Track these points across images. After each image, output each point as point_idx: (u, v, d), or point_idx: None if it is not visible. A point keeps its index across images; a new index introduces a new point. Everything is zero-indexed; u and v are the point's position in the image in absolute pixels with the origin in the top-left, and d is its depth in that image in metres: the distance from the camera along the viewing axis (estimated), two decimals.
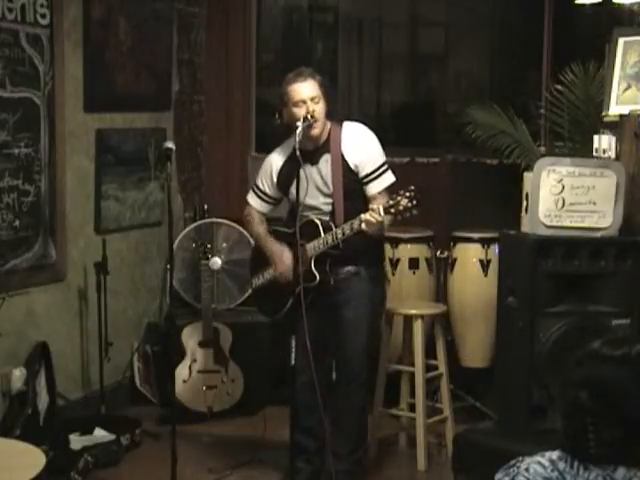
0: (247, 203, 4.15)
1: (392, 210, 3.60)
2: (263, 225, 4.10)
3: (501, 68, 6.34)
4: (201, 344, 4.99)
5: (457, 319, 5.11)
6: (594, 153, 4.16)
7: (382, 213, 3.60)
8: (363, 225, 3.65)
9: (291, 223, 3.90)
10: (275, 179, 4.00)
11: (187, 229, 5.39)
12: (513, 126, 5.06)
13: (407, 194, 3.58)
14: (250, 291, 4.30)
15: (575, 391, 1.75)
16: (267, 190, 4.06)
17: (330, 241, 3.79)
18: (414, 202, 3.57)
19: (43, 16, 4.44)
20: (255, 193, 4.10)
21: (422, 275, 5.10)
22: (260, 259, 4.08)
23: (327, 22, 6.53)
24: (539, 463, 1.82)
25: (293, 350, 3.60)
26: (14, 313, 4.37)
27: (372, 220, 3.62)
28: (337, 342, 3.97)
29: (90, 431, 4.47)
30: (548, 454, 1.84)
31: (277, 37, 6.32)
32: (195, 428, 4.80)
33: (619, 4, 4.87)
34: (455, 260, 5.09)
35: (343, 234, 3.74)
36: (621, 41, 4.36)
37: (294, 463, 3.83)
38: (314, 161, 3.87)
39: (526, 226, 4.05)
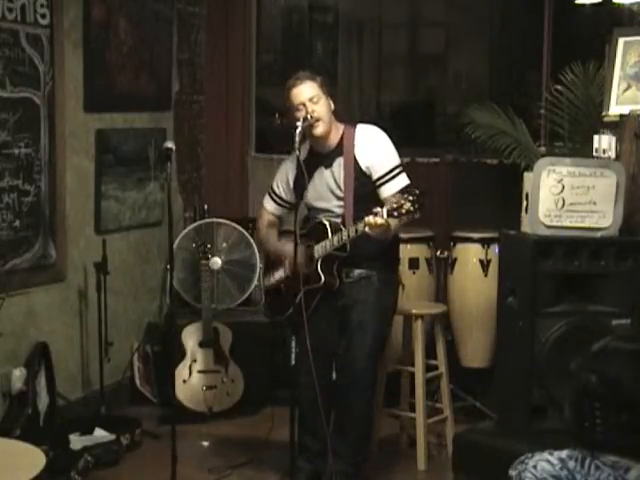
0: (262, 206, 4.15)
1: (395, 213, 3.52)
2: (273, 228, 4.10)
3: (501, 68, 6.34)
4: (201, 344, 4.99)
5: (457, 319, 5.11)
6: (594, 153, 4.16)
7: (385, 216, 3.53)
8: (367, 228, 3.59)
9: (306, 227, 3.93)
10: (292, 184, 3.98)
11: (187, 229, 5.39)
12: (513, 126, 5.06)
13: (410, 197, 3.51)
14: (262, 290, 4.26)
15: (586, 376, 1.81)
16: (282, 194, 4.06)
17: (335, 242, 3.76)
18: (416, 206, 3.50)
19: (43, 16, 4.44)
20: (270, 196, 4.12)
21: (422, 275, 5.09)
22: (273, 260, 4.07)
23: (327, 22, 6.53)
24: (547, 461, 1.84)
25: (293, 350, 3.58)
26: (14, 313, 4.37)
27: (374, 223, 3.55)
28: (344, 345, 3.93)
29: (90, 431, 4.47)
30: (557, 453, 1.86)
31: (277, 37, 6.33)
32: (195, 428, 4.79)
33: (619, 4, 4.87)
34: (455, 260, 5.09)
35: (348, 236, 3.71)
36: (621, 41, 4.37)
37: (295, 462, 3.82)
38: (328, 164, 3.86)
39: (526, 226, 4.05)
